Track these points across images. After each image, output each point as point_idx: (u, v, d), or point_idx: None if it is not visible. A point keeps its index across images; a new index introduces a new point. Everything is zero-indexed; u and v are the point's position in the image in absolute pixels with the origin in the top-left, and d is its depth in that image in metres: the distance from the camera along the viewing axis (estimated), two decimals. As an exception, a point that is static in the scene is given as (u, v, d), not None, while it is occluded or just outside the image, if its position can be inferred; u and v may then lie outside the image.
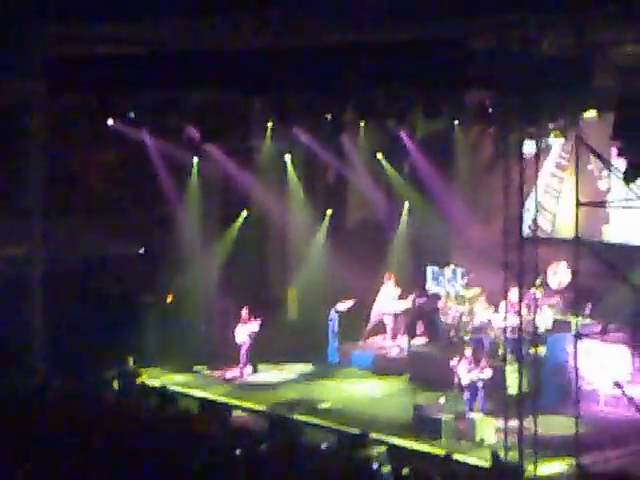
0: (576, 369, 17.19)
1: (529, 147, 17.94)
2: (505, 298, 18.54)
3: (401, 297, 22.32)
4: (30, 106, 20.75)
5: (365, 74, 18.84)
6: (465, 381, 18.44)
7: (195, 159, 23.11)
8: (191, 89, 21.02)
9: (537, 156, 18.16)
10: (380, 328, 22.82)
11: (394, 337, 22.48)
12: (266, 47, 19.51)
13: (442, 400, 18.22)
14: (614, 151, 18.29)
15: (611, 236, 21.09)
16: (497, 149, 21.22)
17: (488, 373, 18.31)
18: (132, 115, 21.86)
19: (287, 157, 23.69)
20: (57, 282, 21.37)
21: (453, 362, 18.84)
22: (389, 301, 22.41)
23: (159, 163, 22.76)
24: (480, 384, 18.38)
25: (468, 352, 18.64)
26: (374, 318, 22.64)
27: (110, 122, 21.94)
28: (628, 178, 17.09)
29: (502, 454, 16.28)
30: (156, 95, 21.39)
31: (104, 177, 23.17)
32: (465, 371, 18.47)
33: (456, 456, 16.18)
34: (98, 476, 13.77)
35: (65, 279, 21.85)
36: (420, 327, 22.24)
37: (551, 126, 19.50)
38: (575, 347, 17.10)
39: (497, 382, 17.93)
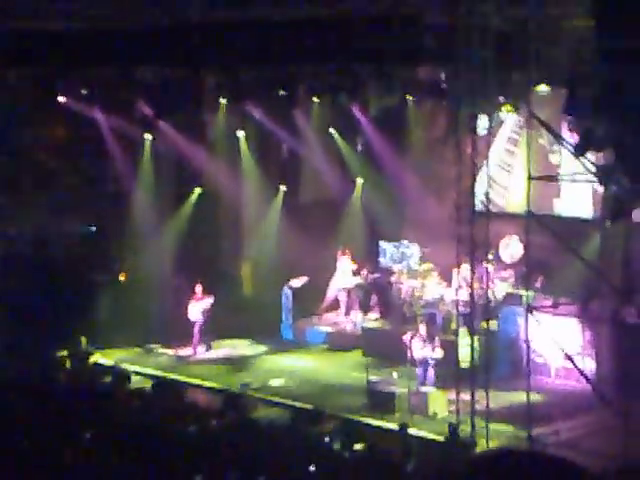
0: (527, 342, 17.31)
1: (482, 121, 17.98)
2: (457, 272, 18.65)
3: (356, 272, 22.34)
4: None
5: (318, 49, 18.78)
6: (417, 357, 18.47)
7: (147, 136, 22.90)
8: (142, 64, 20.88)
9: (489, 130, 18.21)
10: (334, 304, 22.82)
11: (347, 313, 22.48)
12: (217, 22, 19.39)
13: (395, 375, 18.28)
14: (565, 125, 18.43)
15: (562, 210, 21.21)
16: (450, 124, 21.21)
17: (439, 353, 18.36)
18: (84, 92, 21.67)
19: (240, 133, 23.54)
20: (6, 260, 21.17)
21: (406, 337, 18.86)
22: (345, 276, 22.39)
23: (111, 140, 22.55)
24: (432, 359, 18.43)
25: (422, 329, 18.66)
26: (331, 294, 22.61)
27: (61, 99, 21.73)
28: (579, 152, 17.19)
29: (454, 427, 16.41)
30: (107, 71, 21.21)
31: (55, 154, 22.94)
32: (418, 348, 18.50)
33: (410, 430, 16.35)
34: (53, 459, 13.71)
35: (15, 257, 21.65)
36: (373, 302, 22.27)
37: (503, 100, 19.52)
38: (526, 320, 17.23)
39: (449, 356, 17.98)
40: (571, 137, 17.90)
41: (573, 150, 17.38)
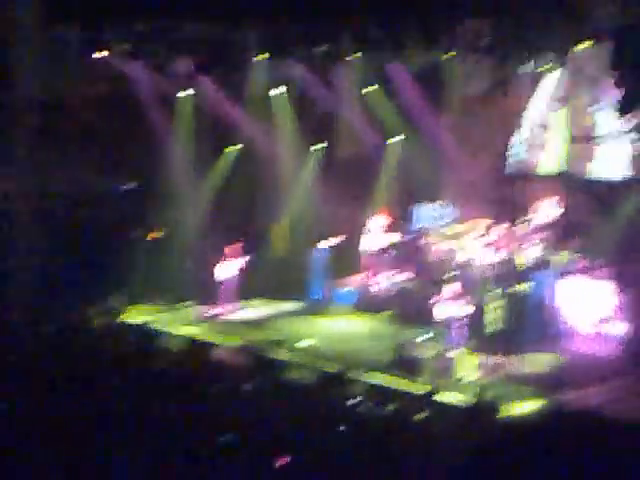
0: (559, 306, 16.97)
1: (522, 80, 17.60)
2: (490, 235, 18.34)
3: (388, 231, 21.99)
4: (20, 36, 20.53)
5: (360, 3, 18.56)
6: (445, 318, 18.19)
7: (186, 92, 22.76)
8: (183, 20, 20.79)
9: (529, 89, 17.84)
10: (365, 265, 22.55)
11: (379, 274, 22.16)
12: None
13: (424, 337, 18.05)
14: (604, 83, 17.98)
15: (596, 171, 20.66)
16: (491, 82, 20.81)
17: (468, 309, 18.05)
18: (124, 47, 21.61)
19: (278, 90, 23.27)
20: (44, 218, 21.27)
21: (435, 299, 18.59)
22: (377, 235, 22.09)
23: (149, 96, 22.47)
24: (461, 322, 18.14)
25: (449, 289, 18.38)
26: (369, 252, 22.25)
27: (100, 54, 21.67)
28: (624, 109, 16.77)
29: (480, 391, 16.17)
30: (147, 26, 21.14)
31: (93, 111, 22.91)
32: (445, 307, 18.22)
33: (437, 393, 16.13)
34: (77, 420, 13.74)
35: (53, 215, 21.73)
36: (405, 263, 21.95)
37: (544, 59, 19.08)
38: (559, 284, 16.90)
39: (478, 319, 17.70)
40: (612, 95, 17.42)
41: (617, 107, 16.97)
